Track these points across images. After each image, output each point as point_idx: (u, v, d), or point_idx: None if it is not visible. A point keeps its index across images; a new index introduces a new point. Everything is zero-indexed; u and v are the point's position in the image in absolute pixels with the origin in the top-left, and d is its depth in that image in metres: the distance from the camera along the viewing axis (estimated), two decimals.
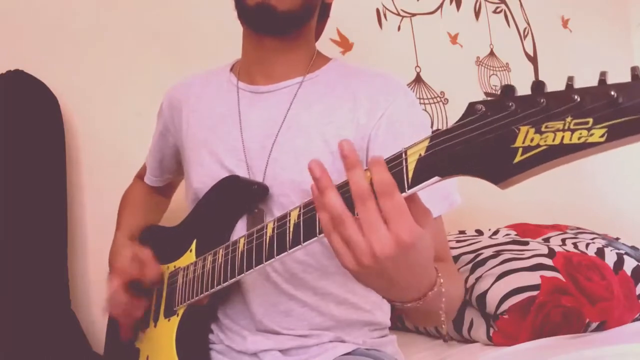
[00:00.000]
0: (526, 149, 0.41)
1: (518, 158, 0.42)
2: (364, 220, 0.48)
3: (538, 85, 0.42)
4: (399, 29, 1.92)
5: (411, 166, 0.49)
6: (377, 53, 1.84)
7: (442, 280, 0.58)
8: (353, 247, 0.49)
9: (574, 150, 0.39)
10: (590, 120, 0.38)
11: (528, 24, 2.37)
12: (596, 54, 2.55)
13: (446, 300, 0.59)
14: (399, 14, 1.93)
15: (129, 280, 0.82)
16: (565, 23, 2.56)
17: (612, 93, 0.37)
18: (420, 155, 0.49)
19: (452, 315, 0.77)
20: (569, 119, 0.39)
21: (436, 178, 0.48)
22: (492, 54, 2.20)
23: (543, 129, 0.41)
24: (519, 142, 0.42)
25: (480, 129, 0.44)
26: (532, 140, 0.41)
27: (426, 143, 0.49)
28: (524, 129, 0.42)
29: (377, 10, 1.87)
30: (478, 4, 2.18)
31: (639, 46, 2.78)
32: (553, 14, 2.53)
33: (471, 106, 0.46)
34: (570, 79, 0.41)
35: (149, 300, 0.88)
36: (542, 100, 0.41)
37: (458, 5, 2.12)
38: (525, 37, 2.35)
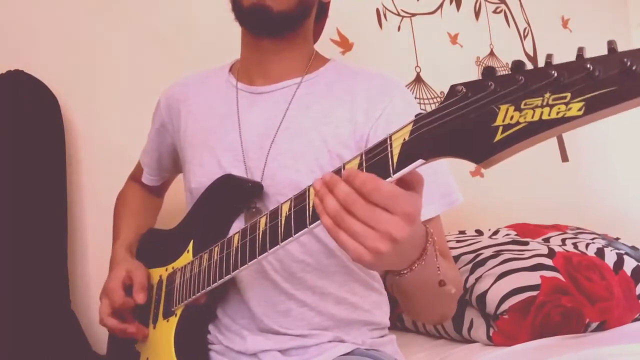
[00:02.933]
0: (506, 127, 0.41)
1: (498, 136, 0.42)
2: (366, 216, 0.49)
3: (518, 65, 0.42)
4: (399, 29, 1.92)
5: (396, 151, 0.50)
6: (377, 53, 1.85)
7: (431, 230, 0.59)
8: (363, 239, 0.50)
9: (553, 125, 0.39)
10: (568, 94, 0.39)
11: (528, 24, 2.37)
12: (596, 54, 2.54)
13: (440, 260, 0.61)
14: (399, 14, 1.93)
15: (116, 306, 0.85)
16: (565, 23, 2.56)
17: (589, 66, 0.38)
18: (404, 139, 0.49)
19: (452, 309, 0.78)
20: (547, 95, 0.40)
21: (420, 161, 0.48)
22: (492, 54, 2.20)
23: (522, 106, 0.41)
24: (499, 121, 0.42)
25: (461, 110, 0.45)
26: (511, 118, 0.41)
27: (410, 127, 0.49)
28: (503, 107, 0.42)
29: (377, 10, 1.87)
30: (478, 4, 2.18)
31: (639, 46, 2.78)
32: (553, 14, 2.53)
33: (452, 88, 0.46)
34: (549, 56, 0.41)
35: (142, 313, 0.88)
36: (520, 78, 0.41)
37: (458, 5, 2.12)
38: (525, 37, 2.35)
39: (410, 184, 0.51)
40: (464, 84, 0.45)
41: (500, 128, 0.42)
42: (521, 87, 0.41)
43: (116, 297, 0.85)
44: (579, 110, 0.38)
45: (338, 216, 0.50)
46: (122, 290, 0.85)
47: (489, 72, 0.44)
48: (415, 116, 0.49)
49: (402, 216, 0.49)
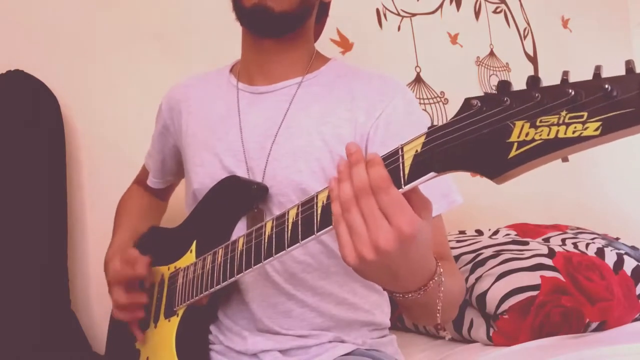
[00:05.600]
0: (521, 144, 0.41)
1: (513, 153, 0.42)
2: (367, 214, 0.49)
3: (533, 80, 0.42)
4: (399, 29, 1.92)
5: (407, 162, 0.49)
6: (377, 53, 1.84)
7: (441, 270, 0.58)
8: (356, 238, 0.50)
9: (569, 144, 0.39)
10: (585, 114, 0.39)
11: (528, 24, 2.37)
12: (596, 54, 2.54)
13: (445, 290, 0.60)
14: (399, 14, 1.93)
15: (125, 281, 0.84)
16: (565, 23, 2.56)
17: (607, 86, 0.38)
18: (416, 151, 0.49)
19: (454, 314, 0.77)
20: (563, 113, 0.40)
21: (432, 174, 0.48)
22: (492, 54, 2.20)
23: (538, 124, 0.41)
24: (514, 137, 0.42)
25: (476, 124, 0.45)
26: (527, 134, 0.41)
27: (422, 139, 0.49)
28: (519, 123, 0.42)
29: (377, 10, 1.87)
30: (478, 4, 2.18)
31: (639, 46, 2.78)
32: (553, 14, 2.52)
33: (467, 102, 0.46)
34: (565, 73, 0.41)
35: (148, 295, 0.88)
36: (536, 95, 0.41)
37: (458, 5, 2.12)
38: (525, 37, 2.35)
39: (415, 209, 0.50)
40: (479, 98, 0.45)
41: (515, 144, 0.41)
42: (537, 104, 0.41)
43: (125, 272, 0.83)
44: (596, 130, 0.38)
45: (347, 204, 0.50)
46: (127, 267, 0.84)
47: (504, 86, 0.44)
48: (429, 128, 0.49)
49: (395, 230, 0.48)
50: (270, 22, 0.83)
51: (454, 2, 2.10)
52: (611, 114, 0.37)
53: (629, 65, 0.38)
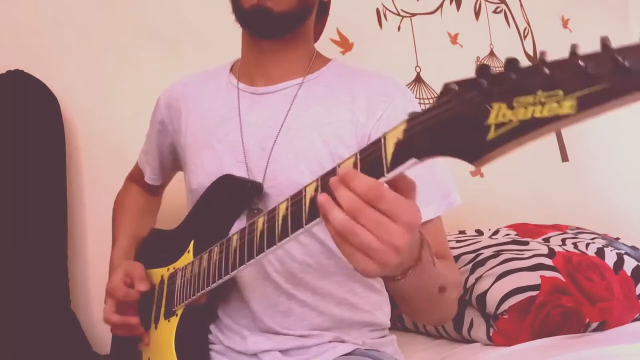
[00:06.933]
0: (499, 126, 0.41)
1: (491, 135, 0.41)
2: (373, 225, 0.48)
3: (510, 62, 0.41)
4: (399, 29, 1.92)
5: (389, 150, 0.49)
6: (377, 53, 1.85)
7: (426, 238, 0.59)
8: (373, 252, 0.49)
9: (545, 123, 0.38)
10: (560, 92, 0.38)
11: (528, 24, 2.37)
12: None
13: (442, 279, 0.60)
14: (399, 14, 1.93)
15: (120, 299, 0.85)
16: (565, 23, 2.56)
17: (581, 63, 0.37)
18: (398, 138, 0.48)
19: (452, 311, 0.78)
20: (539, 93, 0.39)
21: (413, 160, 0.47)
22: (492, 54, 2.20)
23: (514, 104, 0.40)
24: (491, 119, 0.41)
25: (454, 108, 0.44)
26: (504, 116, 0.40)
27: (403, 126, 0.48)
28: (496, 105, 0.41)
29: (377, 10, 1.87)
30: (478, 4, 2.18)
31: None
32: (553, 14, 2.52)
33: (446, 86, 0.46)
34: (543, 53, 0.40)
35: (144, 313, 0.88)
36: (513, 76, 0.40)
37: (458, 5, 2.11)
38: (525, 37, 2.35)
39: (404, 191, 0.50)
40: (457, 82, 0.45)
41: (493, 127, 0.41)
42: (513, 84, 0.40)
43: (119, 291, 0.85)
44: (571, 108, 0.37)
45: (345, 229, 0.49)
46: (124, 286, 0.86)
47: (482, 70, 0.43)
48: (409, 115, 0.48)
49: (403, 225, 0.48)
50: (269, 23, 0.83)
51: (454, 2, 2.10)
52: (586, 91, 0.36)
53: (604, 42, 0.37)
